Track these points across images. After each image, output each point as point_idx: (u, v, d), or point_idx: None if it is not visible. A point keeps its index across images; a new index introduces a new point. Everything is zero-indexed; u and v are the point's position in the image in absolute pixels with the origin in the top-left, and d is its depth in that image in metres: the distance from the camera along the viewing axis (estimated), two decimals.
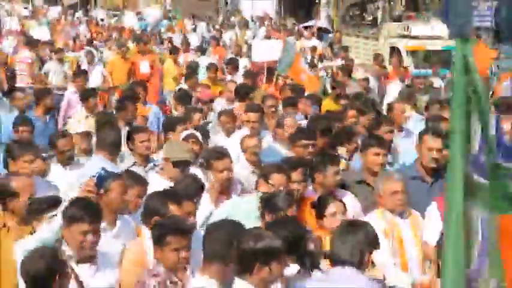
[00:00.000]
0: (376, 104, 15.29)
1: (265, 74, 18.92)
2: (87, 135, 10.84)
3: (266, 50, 20.36)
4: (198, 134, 10.41)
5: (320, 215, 7.46)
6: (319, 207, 7.50)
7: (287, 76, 18.99)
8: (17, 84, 18.70)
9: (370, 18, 36.60)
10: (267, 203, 6.95)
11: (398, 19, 32.05)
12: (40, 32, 29.98)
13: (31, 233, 6.45)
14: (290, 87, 16.58)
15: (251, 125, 11.52)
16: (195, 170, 8.78)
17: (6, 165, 9.31)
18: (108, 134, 9.86)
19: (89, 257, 6.04)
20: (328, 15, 42.33)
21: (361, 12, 37.96)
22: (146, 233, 6.54)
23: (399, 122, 12.60)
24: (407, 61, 24.43)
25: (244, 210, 7.38)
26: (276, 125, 11.23)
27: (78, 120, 13.37)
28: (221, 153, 8.57)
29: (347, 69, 20.07)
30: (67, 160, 9.77)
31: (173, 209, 6.52)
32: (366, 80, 18.81)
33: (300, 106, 13.70)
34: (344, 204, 7.61)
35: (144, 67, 21.31)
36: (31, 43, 23.60)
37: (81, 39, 33.68)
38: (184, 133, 10.35)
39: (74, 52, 27.95)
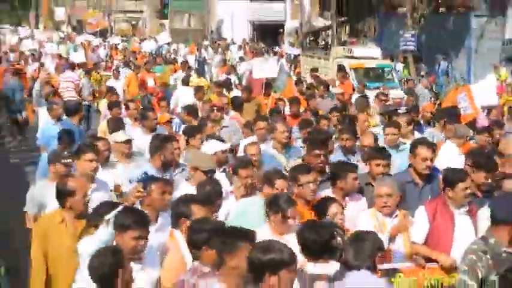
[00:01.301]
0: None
1: (263, 88, 17.77)
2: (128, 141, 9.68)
3: (265, 68, 19.25)
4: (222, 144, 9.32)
5: (322, 215, 6.79)
6: (321, 208, 6.89)
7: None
8: (66, 99, 17.28)
9: (323, 43, 36.94)
10: (271, 204, 6.40)
11: (343, 44, 32.07)
12: (77, 56, 28.93)
13: (87, 229, 5.98)
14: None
15: (262, 132, 10.59)
16: (219, 175, 8.16)
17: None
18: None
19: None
20: (290, 41, 42.41)
21: (315, 39, 38.31)
22: (177, 234, 5.96)
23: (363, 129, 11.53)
24: (351, 76, 23.71)
25: (255, 209, 6.93)
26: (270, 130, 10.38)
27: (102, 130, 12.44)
28: (246, 162, 8.04)
29: (327, 85, 18.82)
30: (103, 161, 8.79)
31: (196, 210, 5.97)
32: (342, 94, 17.44)
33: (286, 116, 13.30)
34: (342, 206, 7.06)
35: (150, 82, 21.50)
36: (72, 65, 23.49)
37: (103, 61, 33.00)
38: (214, 146, 9.04)
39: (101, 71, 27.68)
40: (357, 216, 7.26)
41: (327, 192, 7.57)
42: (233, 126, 12.46)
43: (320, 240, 5.52)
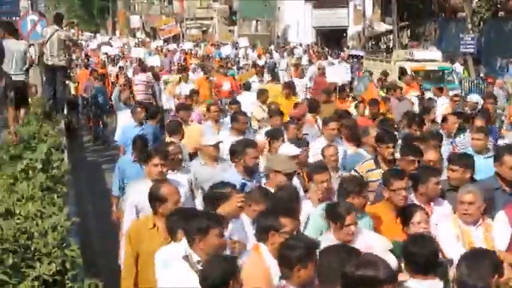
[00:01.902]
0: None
1: (337, 92, 17.04)
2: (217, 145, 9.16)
3: (338, 73, 18.92)
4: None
5: (406, 222, 6.34)
6: (405, 215, 6.41)
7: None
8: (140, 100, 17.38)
9: (384, 47, 36.98)
10: (330, 211, 6.01)
11: (405, 47, 32.10)
12: (153, 61, 29.34)
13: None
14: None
15: (333, 133, 10.03)
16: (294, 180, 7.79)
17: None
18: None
19: None
20: (352, 45, 42.36)
21: (377, 42, 38.40)
22: (264, 248, 5.37)
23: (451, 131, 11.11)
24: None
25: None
26: (362, 134, 9.86)
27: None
28: (321, 168, 7.59)
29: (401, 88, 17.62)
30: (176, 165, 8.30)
31: (285, 222, 5.35)
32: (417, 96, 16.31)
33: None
34: (427, 214, 6.51)
35: (226, 86, 20.39)
36: (145, 69, 22.79)
37: (176, 65, 31.59)
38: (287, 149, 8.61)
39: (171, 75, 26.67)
40: (440, 222, 6.69)
41: (410, 198, 7.01)
42: (313, 130, 11.82)
43: (426, 255, 5.10)
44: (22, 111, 11.67)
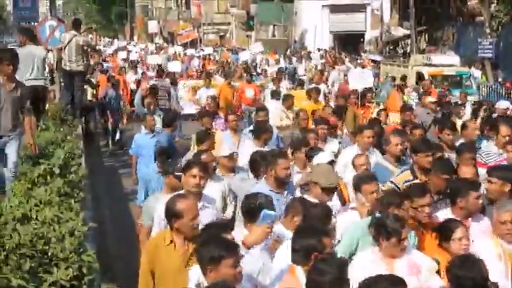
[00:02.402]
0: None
1: (359, 98, 16.35)
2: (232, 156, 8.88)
3: (361, 78, 18.44)
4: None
5: (445, 238, 5.95)
6: (445, 230, 6.01)
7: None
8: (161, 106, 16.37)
9: (401, 51, 36.87)
10: (380, 226, 5.59)
11: (423, 52, 32.01)
12: (174, 66, 29.13)
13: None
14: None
15: (369, 141, 9.63)
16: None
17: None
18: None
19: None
20: (370, 50, 42.28)
21: (395, 47, 38.33)
22: (300, 272, 5.04)
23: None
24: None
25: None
26: (384, 142, 9.44)
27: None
28: (370, 177, 7.19)
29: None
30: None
31: (327, 243, 5.09)
32: (435, 103, 15.01)
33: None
34: (467, 229, 6.09)
35: (249, 93, 19.57)
36: (169, 75, 22.41)
37: (195, 71, 31.44)
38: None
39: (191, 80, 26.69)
40: (477, 239, 6.20)
41: (445, 212, 6.63)
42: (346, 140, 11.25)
43: (475, 279, 4.81)
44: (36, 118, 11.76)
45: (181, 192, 6.75)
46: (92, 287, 4.39)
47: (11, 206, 5.80)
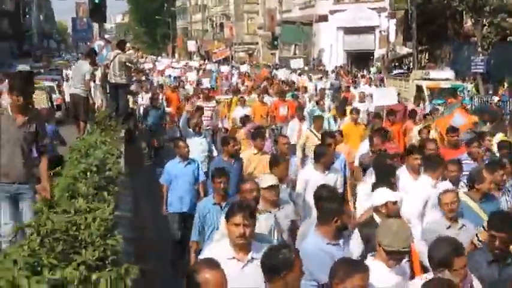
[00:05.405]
0: None
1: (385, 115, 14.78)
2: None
3: (385, 95, 17.80)
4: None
5: None
6: None
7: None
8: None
9: (406, 67, 36.67)
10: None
11: (423, 68, 31.90)
12: (205, 82, 28.28)
13: None
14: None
15: (453, 174, 7.66)
16: None
17: None
18: None
19: None
20: (377, 66, 42.11)
21: (399, 64, 38.17)
22: None
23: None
24: (427, 95, 23.26)
25: None
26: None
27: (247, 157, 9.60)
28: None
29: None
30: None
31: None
32: (476, 123, 13.47)
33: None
34: None
35: (283, 110, 17.67)
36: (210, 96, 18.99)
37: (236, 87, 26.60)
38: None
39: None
40: None
41: None
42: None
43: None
44: (82, 124, 11.95)
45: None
46: (114, 266, 4.44)
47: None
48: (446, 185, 7.19)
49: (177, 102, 21.01)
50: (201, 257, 4.97)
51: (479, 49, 29.79)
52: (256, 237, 5.09)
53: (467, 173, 7.52)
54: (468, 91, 26.42)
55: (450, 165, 7.67)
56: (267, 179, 6.66)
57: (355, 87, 26.71)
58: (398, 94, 23.40)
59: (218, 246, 5.06)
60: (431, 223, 6.49)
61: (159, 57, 59.73)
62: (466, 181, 7.22)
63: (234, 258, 4.82)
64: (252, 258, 4.82)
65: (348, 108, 15.17)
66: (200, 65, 47.52)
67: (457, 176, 7.61)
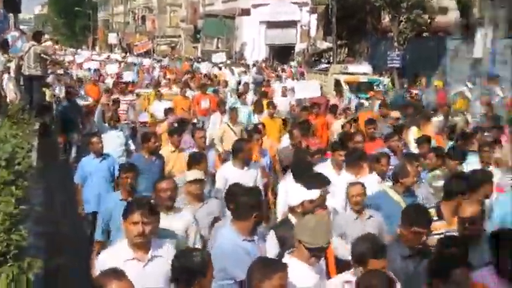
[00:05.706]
0: None
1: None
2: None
3: (307, 88, 17.74)
4: None
5: None
6: None
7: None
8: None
9: (326, 62, 37.20)
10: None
11: (342, 62, 32.43)
12: (128, 75, 27.40)
13: None
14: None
15: (383, 168, 7.63)
16: None
17: None
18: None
19: None
20: (298, 60, 42.61)
21: (319, 58, 38.71)
22: None
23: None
24: (345, 89, 23.69)
25: None
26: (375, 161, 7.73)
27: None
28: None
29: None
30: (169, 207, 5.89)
31: None
32: (398, 119, 12.91)
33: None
34: None
35: (204, 103, 17.47)
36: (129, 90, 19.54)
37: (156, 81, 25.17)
38: None
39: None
40: None
41: None
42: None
43: None
44: None
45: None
46: (17, 261, 4.35)
47: None
48: (372, 178, 7.32)
49: (98, 96, 19.97)
50: (99, 260, 4.77)
51: (396, 44, 30.56)
52: (160, 233, 4.94)
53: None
54: (384, 85, 27.12)
55: (382, 159, 7.71)
56: (194, 173, 6.62)
57: (280, 82, 26.84)
58: (321, 87, 23.66)
59: (116, 248, 4.84)
60: (338, 217, 6.57)
61: (79, 50, 58.25)
62: (391, 175, 7.23)
63: (133, 258, 4.62)
64: (152, 257, 4.66)
65: (265, 102, 15.08)
66: (122, 57, 46.54)
67: (385, 169, 7.64)
